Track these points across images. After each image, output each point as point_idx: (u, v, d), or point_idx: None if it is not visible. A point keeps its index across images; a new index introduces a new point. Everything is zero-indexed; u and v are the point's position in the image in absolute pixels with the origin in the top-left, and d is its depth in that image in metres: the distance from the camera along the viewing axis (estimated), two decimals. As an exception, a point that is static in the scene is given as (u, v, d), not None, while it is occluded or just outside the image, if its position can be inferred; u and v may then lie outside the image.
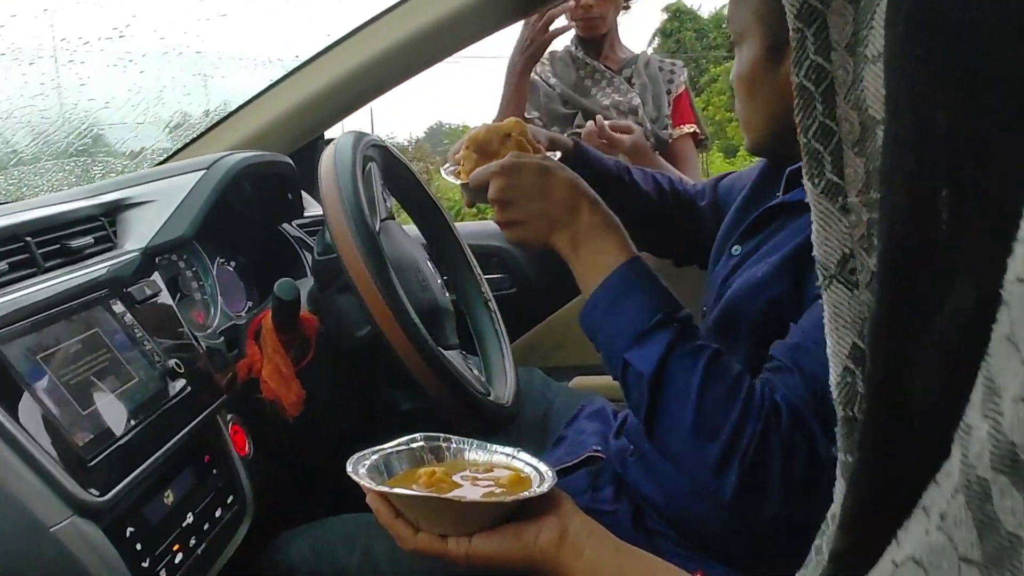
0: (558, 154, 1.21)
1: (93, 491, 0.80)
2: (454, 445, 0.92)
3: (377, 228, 1.14)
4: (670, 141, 2.22)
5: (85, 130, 1.61)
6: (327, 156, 1.17)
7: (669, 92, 2.26)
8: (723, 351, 0.89)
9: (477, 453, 0.92)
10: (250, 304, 1.48)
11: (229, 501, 1.05)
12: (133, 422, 0.91)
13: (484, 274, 1.49)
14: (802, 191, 1.01)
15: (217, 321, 1.35)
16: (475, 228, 1.92)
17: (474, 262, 1.48)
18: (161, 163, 1.65)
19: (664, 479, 1.09)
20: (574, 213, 0.95)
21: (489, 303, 1.46)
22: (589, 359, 1.77)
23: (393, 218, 1.30)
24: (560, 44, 2.38)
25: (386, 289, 1.07)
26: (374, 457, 0.87)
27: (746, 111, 1.05)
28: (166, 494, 0.94)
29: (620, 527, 1.09)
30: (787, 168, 1.13)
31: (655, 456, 1.11)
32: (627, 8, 2.30)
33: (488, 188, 1.00)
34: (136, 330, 1.00)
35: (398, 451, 0.89)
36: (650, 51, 2.29)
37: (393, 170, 1.34)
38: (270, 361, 1.18)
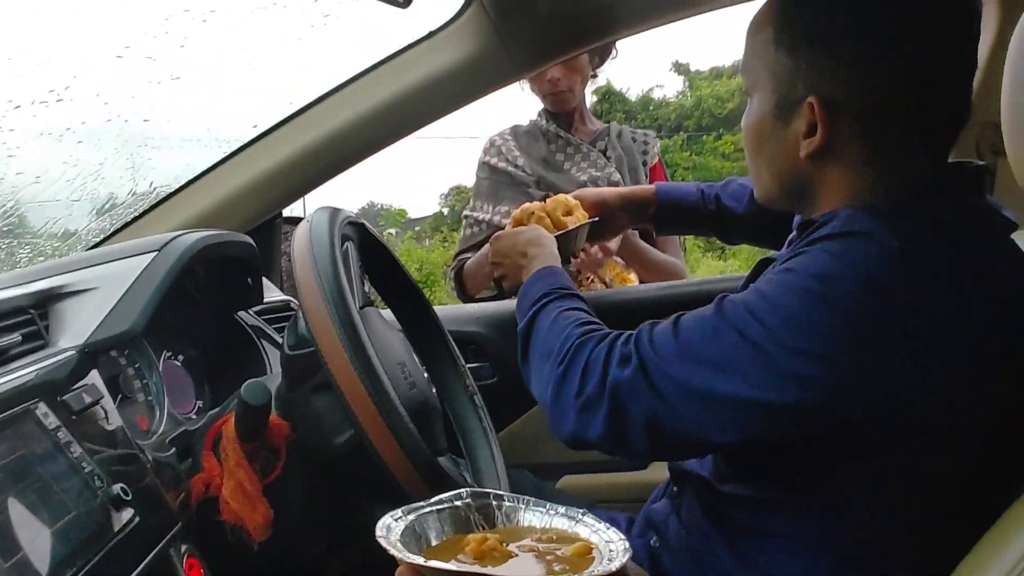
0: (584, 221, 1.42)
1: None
2: (507, 504, 0.72)
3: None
4: None
5: (11, 208, 1.42)
6: (301, 234, 1.01)
7: (644, 164, 2.18)
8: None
9: (534, 514, 0.73)
10: (200, 404, 1.30)
11: (186, 655, 0.86)
12: (70, 570, 0.72)
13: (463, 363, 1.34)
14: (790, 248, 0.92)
15: (164, 426, 1.16)
16: (451, 312, 1.77)
17: (457, 352, 1.33)
18: (96, 245, 1.47)
19: (702, 557, 0.98)
20: (525, 258, 1.26)
21: (475, 397, 1.30)
22: (577, 456, 1.63)
23: (372, 304, 1.15)
24: (523, 117, 2.29)
25: (374, 387, 0.91)
26: (410, 518, 0.67)
27: (754, 163, 1.01)
28: (108, 659, 0.75)
29: None
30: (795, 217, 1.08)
31: (677, 538, 1.02)
32: (595, 77, 2.22)
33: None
34: (73, 449, 0.82)
35: (439, 510, 0.71)
36: None
37: (371, 250, 1.19)
38: (232, 477, 0.99)
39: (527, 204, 1.44)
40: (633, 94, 22.42)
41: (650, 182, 2.15)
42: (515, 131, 2.24)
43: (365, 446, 0.93)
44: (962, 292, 0.78)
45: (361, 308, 1.06)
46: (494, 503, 0.73)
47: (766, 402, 0.79)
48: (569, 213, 1.40)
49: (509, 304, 1.74)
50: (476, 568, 0.62)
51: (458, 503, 0.72)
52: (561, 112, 2.18)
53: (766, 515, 0.90)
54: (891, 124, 0.87)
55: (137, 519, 0.83)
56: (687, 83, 23.23)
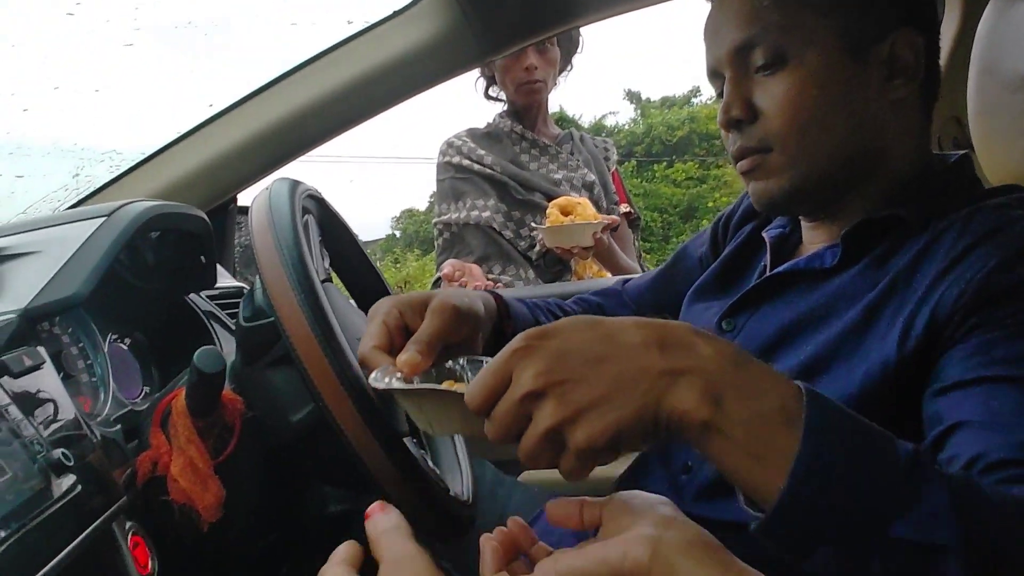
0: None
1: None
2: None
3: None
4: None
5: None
6: (260, 202, 0.97)
7: (608, 169, 2.18)
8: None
9: None
10: (146, 390, 1.24)
11: (128, 638, 0.80)
12: (3, 533, 0.66)
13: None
14: (819, 257, 0.88)
15: (108, 409, 1.10)
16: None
17: (417, 338, 1.29)
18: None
19: None
20: (681, 351, 0.58)
21: (436, 385, 1.26)
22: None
23: (330, 280, 1.11)
24: (478, 121, 2.28)
25: (338, 359, 0.86)
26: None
27: (808, 137, 0.85)
28: (44, 634, 0.69)
29: None
30: (767, 233, 1.03)
31: None
32: (556, 86, 2.21)
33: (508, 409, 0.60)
34: (10, 411, 0.76)
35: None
36: None
37: (330, 226, 1.15)
38: (182, 454, 0.94)
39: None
40: (586, 121, 22.68)
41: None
42: (472, 133, 2.21)
43: (323, 424, 0.89)
44: None
45: (321, 282, 1.02)
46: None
47: None
48: (569, 212, 1.54)
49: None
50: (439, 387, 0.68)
51: (455, 366, 0.78)
52: (529, 106, 2.15)
53: None
54: (936, 56, 0.85)
55: (79, 488, 0.78)
56: (639, 111, 23.58)
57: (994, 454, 0.62)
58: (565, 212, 1.73)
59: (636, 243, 2.22)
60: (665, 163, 21.12)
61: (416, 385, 0.73)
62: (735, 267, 1.09)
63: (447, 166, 2.17)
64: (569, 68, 2.19)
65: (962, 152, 0.90)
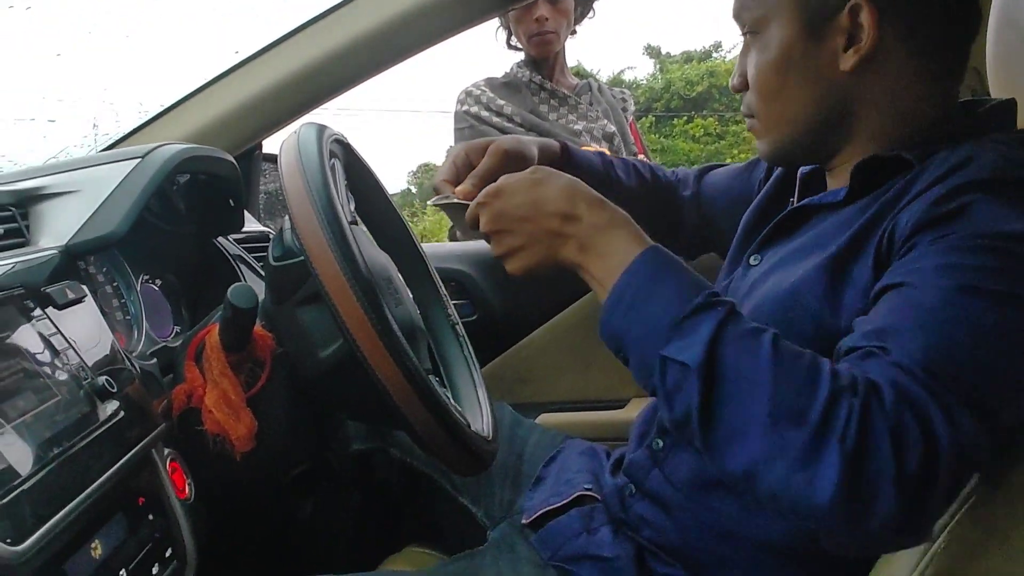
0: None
1: (4, 540, 0.60)
2: None
3: (347, 230, 0.97)
4: None
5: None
6: (289, 145, 1.00)
7: (626, 120, 2.17)
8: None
9: None
10: (177, 329, 1.28)
11: (168, 555, 0.85)
12: (54, 451, 0.71)
13: (443, 299, 1.34)
14: (835, 192, 0.91)
15: (142, 345, 1.14)
16: (433, 249, 1.76)
17: (439, 282, 1.32)
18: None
19: (680, 516, 0.96)
20: (573, 221, 0.82)
21: (457, 327, 1.29)
22: (555, 395, 1.64)
23: (357, 224, 1.13)
24: (497, 70, 2.26)
25: (367, 298, 0.89)
26: None
27: (778, 100, 0.91)
28: (93, 545, 0.74)
29: (622, 573, 0.98)
30: (800, 170, 1.04)
31: (666, 492, 0.98)
32: (574, 33, 2.20)
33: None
34: (57, 340, 0.80)
35: None
36: None
37: (356, 171, 1.17)
38: (216, 387, 0.98)
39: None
40: (604, 76, 22.41)
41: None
42: (491, 82, 2.20)
43: (351, 360, 0.92)
44: None
45: (350, 224, 1.05)
46: None
47: None
48: None
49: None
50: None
51: None
52: (543, 57, 2.14)
53: None
54: (927, 24, 0.84)
55: (122, 413, 0.82)
56: (658, 66, 23.24)
57: (847, 343, 0.72)
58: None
59: None
60: (684, 119, 20.88)
61: (443, 200, 1.00)
62: (771, 203, 1.10)
63: (465, 115, 2.16)
64: (591, 14, 2.17)
65: (980, 98, 0.91)
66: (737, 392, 0.67)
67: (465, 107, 2.17)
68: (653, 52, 23.68)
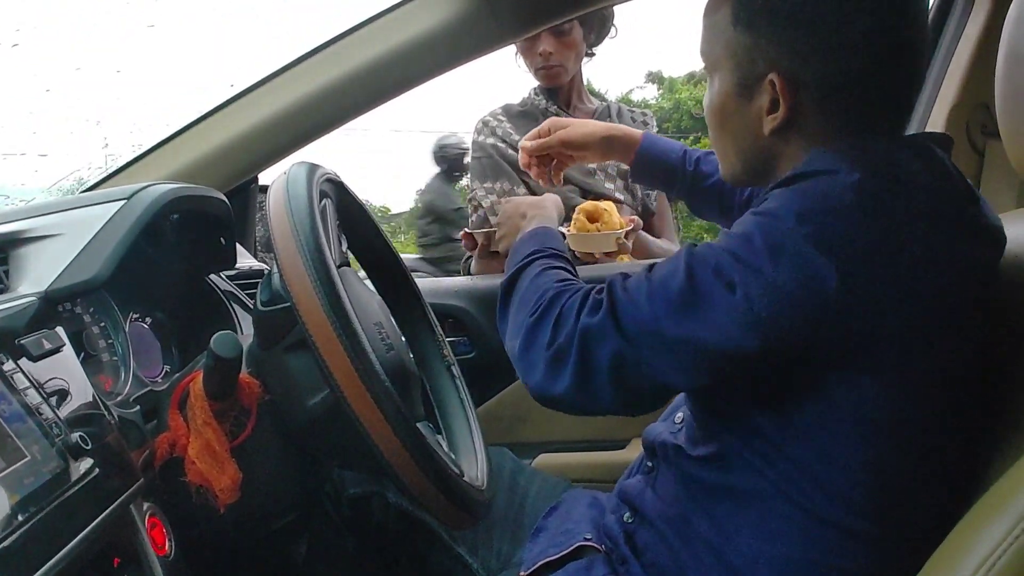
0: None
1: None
2: None
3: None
4: (642, 195, 2.12)
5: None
6: (277, 187, 0.97)
7: None
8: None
9: None
10: (167, 369, 1.25)
11: (144, 617, 0.81)
12: (22, 516, 0.67)
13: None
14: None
15: (129, 388, 1.11)
16: (430, 285, 1.74)
17: (435, 322, 1.29)
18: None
19: (672, 537, 0.95)
20: (517, 230, 1.18)
21: (452, 368, 1.27)
22: (555, 435, 1.60)
23: (348, 265, 1.11)
24: (514, 96, 2.24)
25: (352, 345, 0.87)
26: None
27: (719, 142, 1.00)
28: (62, 614, 0.70)
29: None
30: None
31: (660, 511, 0.98)
32: (591, 56, 2.17)
33: None
34: (29, 394, 0.77)
35: None
36: None
37: (349, 210, 1.15)
38: (199, 436, 0.95)
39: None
40: (612, 96, 22.46)
41: None
42: (507, 110, 2.18)
43: (339, 409, 0.89)
44: (916, 234, 0.79)
45: (338, 267, 1.02)
46: None
47: (735, 347, 0.80)
48: (596, 219, 1.72)
49: (490, 279, 1.71)
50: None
51: None
52: (554, 88, 2.13)
53: (737, 473, 0.89)
54: (851, 96, 0.88)
55: (97, 471, 0.79)
56: (663, 87, 23.30)
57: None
58: (592, 219, 1.75)
59: (675, 217, 2.20)
60: (693, 138, 20.94)
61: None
62: None
63: (480, 146, 2.13)
64: (613, 33, 2.13)
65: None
66: (513, 296, 1.02)
67: (481, 137, 2.14)
68: (655, 78, 23.77)
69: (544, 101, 2.14)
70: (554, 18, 1.43)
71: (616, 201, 1.93)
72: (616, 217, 1.74)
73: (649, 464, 1.04)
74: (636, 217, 1.85)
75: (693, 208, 1.45)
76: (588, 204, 1.78)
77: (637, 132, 1.40)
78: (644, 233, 1.99)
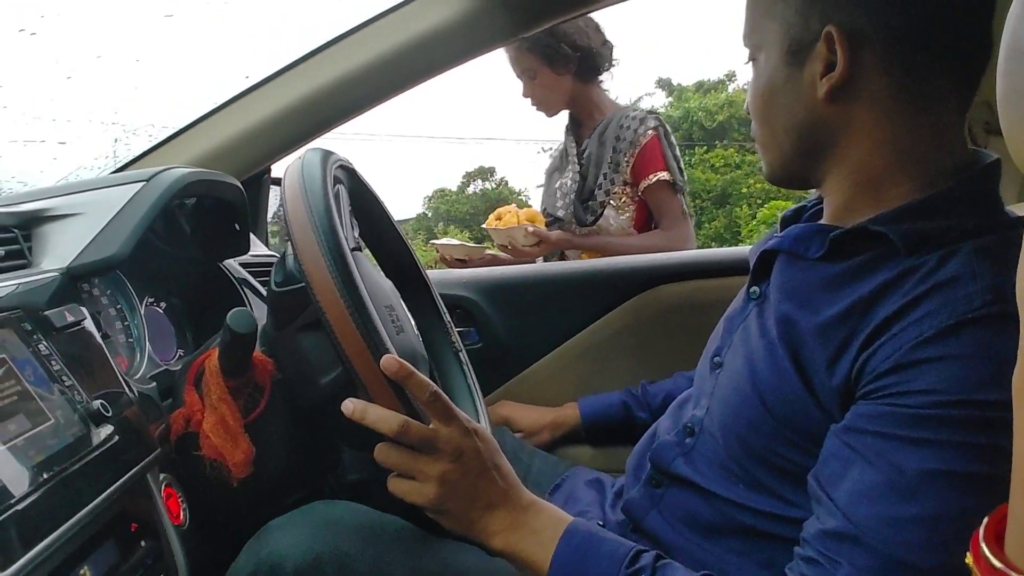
0: None
1: (-12, 565, 0.60)
2: None
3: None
4: (642, 191, 2.20)
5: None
6: (293, 171, 1.00)
7: (634, 144, 2.19)
8: None
9: None
10: (181, 352, 1.28)
11: (160, 582, 0.84)
12: (46, 474, 0.70)
13: (448, 327, 1.33)
14: (803, 243, 0.85)
15: (144, 368, 1.14)
16: (439, 276, 1.76)
17: (444, 309, 1.32)
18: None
19: (677, 557, 0.93)
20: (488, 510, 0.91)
21: (460, 354, 1.29)
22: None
23: (360, 250, 1.13)
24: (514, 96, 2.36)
25: (365, 325, 0.89)
26: None
27: (764, 132, 0.93)
28: (82, 572, 0.73)
29: None
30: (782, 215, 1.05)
31: (664, 532, 0.98)
32: (589, 80, 2.30)
33: None
34: (53, 362, 0.80)
35: None
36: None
37: (361, 197, 1.17)
38: (214, 412, 0.97)
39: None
40: (620, 103, 22.44)
41: (640, 161, 2.18)
42: (554, 154, 2.52)
43: (351, 388, 0.91)
44: None
45: (352, 251, 1.04)
46: None
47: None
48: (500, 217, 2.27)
49: (500, 270, 1.74)
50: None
51: None
52: (571, 116, 2.34)
53: (765, 518, 0.87)
54: (918, 55, 0.80)
55: (117, 438, 0.81)
56: (671, 98, 23.34)
57: (806, 532, 0.77)
58: (499, 218, 2.26)
59: (686, 208, 2.24)
60: (704, 148, 20.94)
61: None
62: None
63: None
64: (615, 62, 2.31)
65: (992, 159, 0.84)
66: None
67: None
68: (664, 84, 23.80)
69: (567, 140, 2.37)
70: (562, 14, 1.45)
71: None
72: (515, 218, 2.22)
73: (655, 481, 1.02)
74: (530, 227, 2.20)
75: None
76: (500, 208, 2.27)
77: (572, 406, 1.50)
78: (611, 240, 2.22)
